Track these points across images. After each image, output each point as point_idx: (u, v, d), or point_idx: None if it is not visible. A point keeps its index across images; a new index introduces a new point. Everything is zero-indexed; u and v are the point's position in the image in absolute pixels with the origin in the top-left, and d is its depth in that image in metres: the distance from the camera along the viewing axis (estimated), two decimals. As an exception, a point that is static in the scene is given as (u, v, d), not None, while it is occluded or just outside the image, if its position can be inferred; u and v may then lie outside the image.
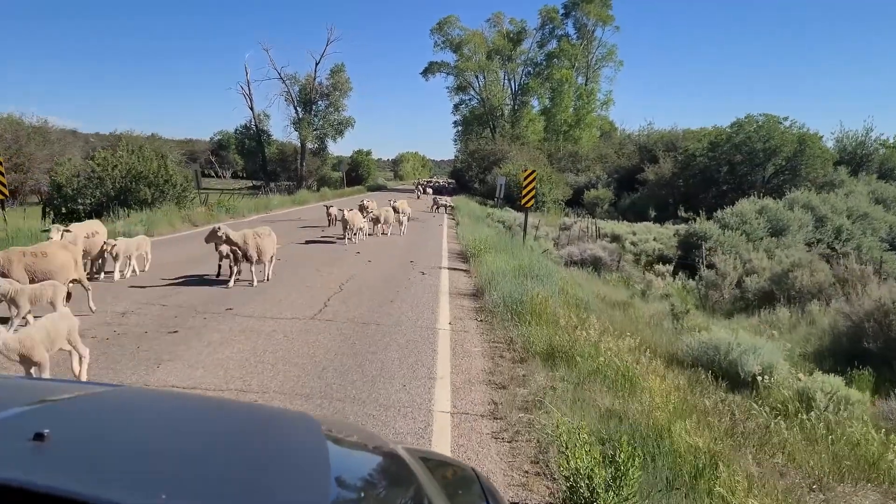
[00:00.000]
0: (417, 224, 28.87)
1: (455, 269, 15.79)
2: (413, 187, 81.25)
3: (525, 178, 21.61)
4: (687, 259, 37.29)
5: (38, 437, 1.37)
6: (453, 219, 33.18)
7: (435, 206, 39.66)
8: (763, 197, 43.39)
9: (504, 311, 10.37)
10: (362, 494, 1.69)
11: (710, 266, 21.30)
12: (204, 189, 69.84)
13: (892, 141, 61.05)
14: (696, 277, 21.22)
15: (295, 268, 14.34)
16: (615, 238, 41.58)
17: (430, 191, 60.49)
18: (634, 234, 42.30)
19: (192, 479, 1.42)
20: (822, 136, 52.48)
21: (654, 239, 41.14)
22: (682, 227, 45.53)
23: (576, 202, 58.20)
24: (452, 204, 40.15)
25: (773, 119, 51.25)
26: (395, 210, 24.25)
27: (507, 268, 13.81)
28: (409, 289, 12.59)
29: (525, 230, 21.85)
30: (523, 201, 21.58)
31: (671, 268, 23.39)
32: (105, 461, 1.46)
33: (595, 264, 22.53)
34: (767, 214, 39.81)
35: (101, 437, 1.64)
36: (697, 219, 43.60)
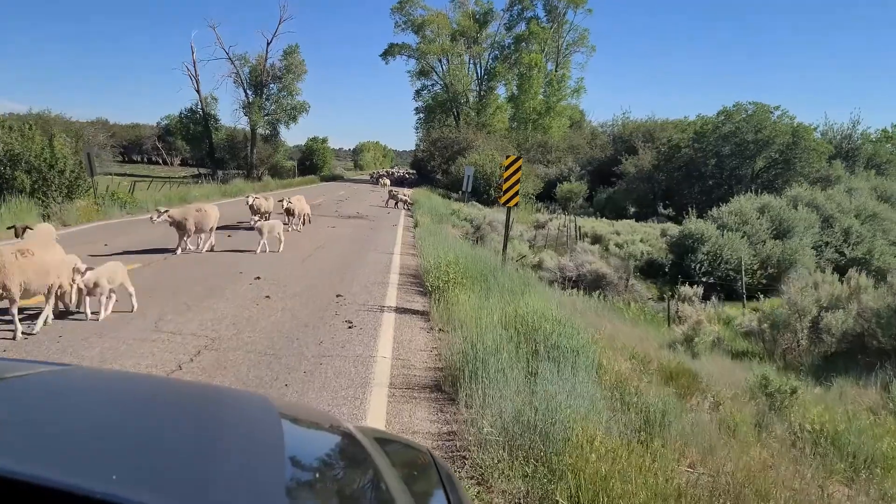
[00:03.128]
0: (366, 224, 22.55)
1: (408, 310, 9.56)
2: (370, 178, 75.02)
3: (508, 168, 15.52)
4: (682, 265, 32.10)
5: None
6: (412, 216, 26.95)
7: (393, 202, 33.07)
8: (760, 193, 38.08)
9: (509, 461, 4.33)
10: (317, 475, 1.60)
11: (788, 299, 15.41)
12: (146, 176, 62.86)
13: (875, 135, 56.76)
14: (758, 313, 15.18)
15: (134, 313, 8.00)
16: (597, 239, 36.03)
17: (387, 182, 54.02)
18: (618, 233, 36.69)
19: (143, 459, 1.36)
20: (816, 128, 47.51)
21: (641, 240, 35.58)
22: (669, 227, 40.18)
23: (546, 196, 52.43)
24: (411, 199, 33.67)
25: (763, 108, 46.02)
26: (290, 213, 18.05)
27: (494, 320, 7.74)
28: (314, 374, 6.35)
29: (506, 242, 15.68)
30: (504, 198, 15.47)
31: (700, 290, 17.40)
32: (52, 441, 1.38)
33: (597, 283, 16.60)
34: (770, 213, 34.45)
35: (48, 417, 1.54)
36: (687, 217, 38.46)
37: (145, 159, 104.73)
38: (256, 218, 14.38)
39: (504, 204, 15.67)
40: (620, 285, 17.02)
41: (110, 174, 56.51)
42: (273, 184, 43.99)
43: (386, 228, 21.56)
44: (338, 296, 10.00)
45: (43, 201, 19.96)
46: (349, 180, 73.22)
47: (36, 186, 21.08)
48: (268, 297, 9.55)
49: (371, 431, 2.18)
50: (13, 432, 1.36)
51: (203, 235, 13.72)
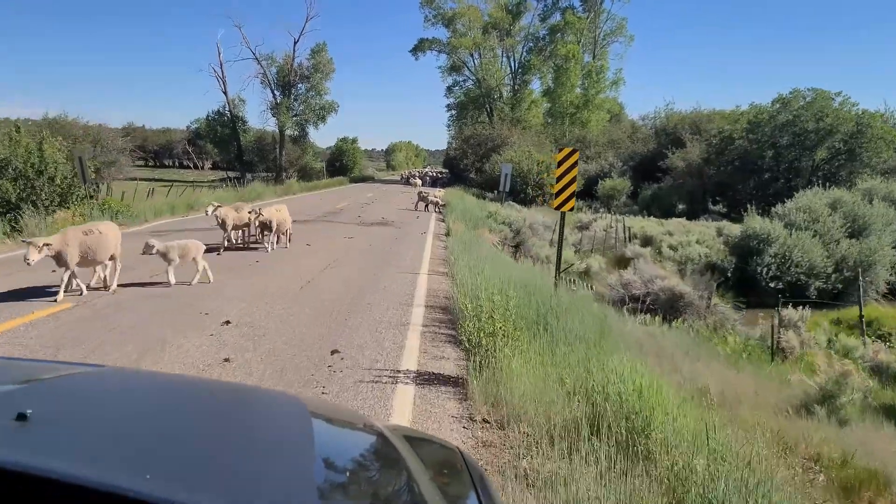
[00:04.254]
0: (390, 233, 19.36)
1: (434, 377, 6.27)
2: (401, 179, 72.26)
3: (561, 163, 12.26)
4: (746, 269, 28.57)
5: (21, 417, 1.34)
6: (444, 221, 23.74)
7: (423, 204, 29.78)
8: (829, 186, 34.18)
9: None
10: (348, 474, 1.57)
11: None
12: (172, 181, 60.45)
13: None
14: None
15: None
16: (647, 241, 32.52)
17: (418, 182, 50.72)
18: (670, 234, 33.06)
19: (176, 459, 1.37)
20: (882, 115, 43.01)
21: (697, 241, 31.87)
22: (725, 226, 36.51)
23: (587, 194, 48.81)
24: (443, 200, 30.22)
25: (824, 95, 41.79)
26: (265, 227, 13.99)
27: (573, 413, 4.52)
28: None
29: (560, 260, 12.37)
30: (557, 202, 12.23)
31: (807, 312, 13.82)
32: (88, 441, 1.41)
33: (673, 304, 13.22)
34: (843, 209, 30.55)
35: (84, 417, 1.58)
36: (746, 214, 34.78)
37: (176, 164, 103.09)
38: (153, 242, 9.73)
39: (557, 208, 12.39)
40: (701, 305, 13.58)
41: (136, 179, 54.41)
42: (296, 186, 41.01)
43: (413, 237, 18.36)
44: (333, 352, 6.79)
45: (65, 206, 17.62)
46: (380, 181, 70.31)
47: (24, 196, 18.57)
48: (227, 359, 6.36)
49: (401, 430, 2.14)
50: (51, 432, 1.37)
51: (102, 266, 9.55)
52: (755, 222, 29.21)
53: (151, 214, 20.49)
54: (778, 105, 43.48)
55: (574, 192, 12.24)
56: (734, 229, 34.95)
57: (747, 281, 27.66)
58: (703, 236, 32.45)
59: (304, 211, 25.22)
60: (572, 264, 24.12)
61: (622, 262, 29.66)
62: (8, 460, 1.13)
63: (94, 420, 1.55)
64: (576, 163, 12.19)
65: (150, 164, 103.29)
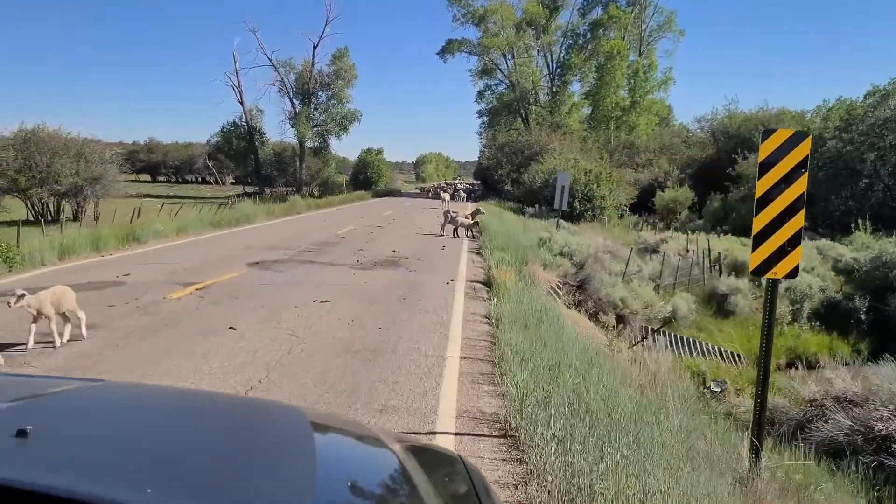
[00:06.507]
0: (396, 284, 11.96)
1: None
2: (422, 192, 65.63)
3: (769, 165, 4.95)
4: (885, 309, 21.02)
5: (21, 433, 1.30)
6: (479, 253, 16.50)
7: (452, 227, 21.91)
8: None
9: None
10: (349, 485, 1.49)
11: None
12: (183, 197, 54.27)
13: None
14: None
15: None
16: (737, 268, 25.00)
17: (446, 196, 43.40)
18: (766, 259, 24.95)
19: (177, 473, 1.34)
20: None
21: (805, 269, 23.98)
22: (826, 246, 28.77)
23: (641, 206, 41.18)
24: (476, 218, 22.55)
25: (931, 84, 33.83)
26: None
27: None
28: None
29: (761, 433, 5.28)
30: (762, 253, 4.94)
31: None
32: (89, 456, 1.37)
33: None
34: None
35: (84, 432, 1.53)
36: (858, 232, 27.19)
37: (198, 179, 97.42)
38: None
39: (758, 273, 5.13)
40: None
41: (144, 196, 48.23)
42: (301, 203, 33.80)
43: (433, 294, 10.99)
44: None
45: None
46: (407, 194, 63.44)
47: None
48: None
49: (403, 440, 2.10)
50: (51, 448, 1.34)
51: None
52: (891, 246, 21.77)
53: (54, 255, 13.52)
54: (873, 99, 35.58)
55: (801, 228, 4.98)
56: (841, 251, 27.29)
57: (884, 323, 20.19)
58: (809, 261, 24.75)
59: (288, 240, 18.13)
60: (665, 324, 16.77)
61: (714, 300, 22.32)
62: (8, 477, 1.12)
63: (94, 435, 1.50)
64: (804, 163, 4.96)
65: (171, 179, 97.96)
